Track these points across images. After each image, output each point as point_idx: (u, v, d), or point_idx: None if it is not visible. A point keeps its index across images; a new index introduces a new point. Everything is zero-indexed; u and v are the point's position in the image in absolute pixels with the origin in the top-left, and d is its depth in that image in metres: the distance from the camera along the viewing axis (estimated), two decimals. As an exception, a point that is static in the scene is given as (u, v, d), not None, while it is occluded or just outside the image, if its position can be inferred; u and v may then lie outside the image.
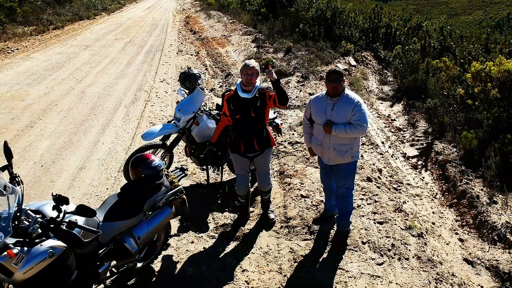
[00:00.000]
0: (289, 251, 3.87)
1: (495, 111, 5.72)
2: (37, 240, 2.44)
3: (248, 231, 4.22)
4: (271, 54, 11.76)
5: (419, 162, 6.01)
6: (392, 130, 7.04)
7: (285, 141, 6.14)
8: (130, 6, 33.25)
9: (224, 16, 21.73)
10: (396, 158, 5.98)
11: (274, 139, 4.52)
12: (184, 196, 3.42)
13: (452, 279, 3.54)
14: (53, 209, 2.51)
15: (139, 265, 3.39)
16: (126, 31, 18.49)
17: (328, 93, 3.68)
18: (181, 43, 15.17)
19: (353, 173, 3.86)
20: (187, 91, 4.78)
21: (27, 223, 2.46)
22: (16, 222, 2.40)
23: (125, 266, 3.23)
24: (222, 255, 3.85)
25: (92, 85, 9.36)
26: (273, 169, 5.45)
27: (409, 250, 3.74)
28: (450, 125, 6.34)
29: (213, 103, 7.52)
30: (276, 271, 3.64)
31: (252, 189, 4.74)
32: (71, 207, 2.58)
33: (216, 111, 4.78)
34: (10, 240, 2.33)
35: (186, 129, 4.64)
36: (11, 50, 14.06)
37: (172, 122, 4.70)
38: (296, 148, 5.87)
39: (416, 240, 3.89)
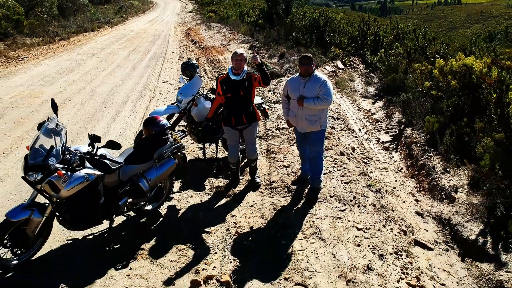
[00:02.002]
0: (270, 204, 4.78)
1: (454, 99, 6.67)
2: (77, 168, 3.37)
3: (238, 191, 5.13)
4: (266, 59, 12.76)
5: (391, 146, 6.93)
6: (370, 121, 7.99)
7: (273, 127, 7.08)
8: (132, 20, 34.45)
9: (223, 28, 22.89)
10: (370, 142, 6.92)
11: (261, 118, 5.46)
12: (184, 152, 4.35)
13: (400, 222, 4.44)
14: (88, 146, 3.45)
15: (149, 207, 4.31)
16: (130, 41, 19.58)
17: (301, 74, 4.64)
18: (182, 51, 16.22)
19: (322, 139, 4.80)
20: (187, 78, 5.76)
21: (69, 157, 3.39)
22: (62, 155, 3.34)
23: (138, 205, 4.14)
24: (215, 206, 4.77)
25: (101, 85, 10.35)
26: (261, 148, 6.39)
27: (367, 201, 4.65)
28: (419, 114, 7.28)
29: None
30: (259, 217, 4.55)
31: (242, 164, 5.64)
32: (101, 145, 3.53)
33: (211, 94, 5.75)
34: (59, 166, 3.26)
35: (187, 110, 5.60)
36: (22, 58, 15.06)
37: (175, 104, 5.66)
38: (282, 132, 6.81)
39: (374, 195, 4.81)
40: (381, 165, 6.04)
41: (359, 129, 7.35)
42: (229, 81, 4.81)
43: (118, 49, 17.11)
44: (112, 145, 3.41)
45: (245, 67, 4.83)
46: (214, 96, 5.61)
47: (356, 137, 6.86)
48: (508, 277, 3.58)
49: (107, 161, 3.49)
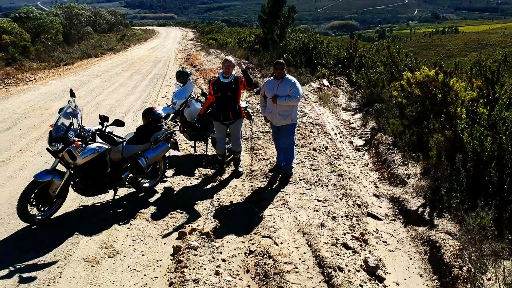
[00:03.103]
0: (249, 187, 5.72)
1: (417, 106, 7.67)
2: (89, 142, 4.33)
3: (223, 178, 6.07)
4: (258, 78, 13.88)
5: (363, 148, 7.89)
6: (347, 128, 8.99)
7: (258, 131, 8.07)
8: (134, 47, 35.96)
9: (221, 53, 24.22)
10: (343, 143, 7.91)
11: (246, 115, 6.46)
12: (176, 138, 5.32)
13: (356, 198, 5.36)
14: (98, 124, 4.42)
15: (146, 184, 5.24)
16: (132, 65, 20.85)
17: (275, 76, 5.67)
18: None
19: (293, 132, 5.78)
20: (181, 84, 6.79)
21: (83, 133, 4.36)
22: (78, 132, 4.31)
23: (137, 181, 5.08)
24: (203, 188, 5.70)
25: (105, 100, 11.42)
26: (246, 147, 7.36)
27: (329, 181, 5.59)
28: (389, 121, 8.27)
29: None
30: (239, 195, 5.48)
31: (227, 159, 6.59)
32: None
33: (202, 97, 6.76)
34: (76, 138, 4.23)
35: (180, 111, 6.60)
36: (30, 80, 16.20)
37: (170, 105, 6.66)
38: (265, 135, 7.79)
39: (336, 178, 5.75)
40: (350, 161, 7.00)
41: (335, 134, 8.34)
42: (219, 83, 5.84)
43: (120, 71, 18.31)
44: (118, 123, 4.40)
45: (233, 72, 5.87)
46: (204, 99, 6.62)
47: (330, 139, 7.84)
48: (435, 234, 4.47)
49: (113, 136, 4.46)
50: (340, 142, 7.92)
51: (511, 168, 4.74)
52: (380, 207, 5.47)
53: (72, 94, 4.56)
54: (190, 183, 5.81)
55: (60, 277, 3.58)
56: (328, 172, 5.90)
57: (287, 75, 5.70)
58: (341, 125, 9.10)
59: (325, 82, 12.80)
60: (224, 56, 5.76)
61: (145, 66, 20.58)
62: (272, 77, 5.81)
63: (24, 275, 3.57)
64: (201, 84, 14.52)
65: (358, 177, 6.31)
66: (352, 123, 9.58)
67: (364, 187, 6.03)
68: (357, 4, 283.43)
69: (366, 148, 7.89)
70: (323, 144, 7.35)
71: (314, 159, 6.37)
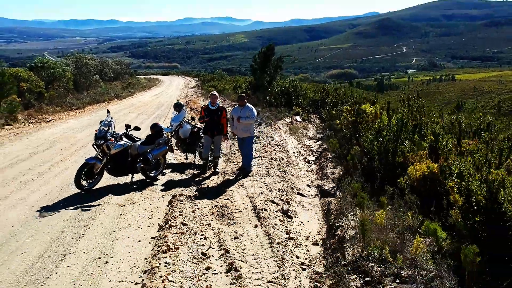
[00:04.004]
0: (222, 179, 8.54)
1: (351, 129, 10.60)
2: (118, 140, 7.25)
3: (205, 176, 8.91)
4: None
5: (313, 162, 10.74)
6: (305, 150, 11.88)
7: (236, 149, 10.97)
8: (139, 94, 39.40)
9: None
10: (298, 158, 10.77)
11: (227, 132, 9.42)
12: (171, 144, 8.26)
13: (292, 185, 8.17)
14: (124, 130, 7.38)
15: (151, 174, 8.10)
16: (138, 108, 24.10)
17: (239, 104, 8.66)
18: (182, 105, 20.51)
19: (251, 142, 8.72)
20: (177, 112, 9.79)
21: (115, 135, 7.29)
22: (112, 134, 7.26)
23: (146, 170, 7.95)
24: (190, 179, 8.54)
25: (118, 131, 14.40)
26: (224, 158, 10.23)
27: (275, 174, 8.42)
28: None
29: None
30: (215, 182, 8.31)
31: (209, 164, 9.44)
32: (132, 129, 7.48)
33: (191, 121, 9.74)
34: (111, 138, 7.17)
35: (176, 130, 9.54)
36: (49, 120, 19.24)
37: (169, 127, 9.62)
38: (238, 151, 10.66)
39: (280, 173, 8.59)
40: (298, 167, 9.85)
41: (293, 152, 11.25)
42: (208, 109, 8.83)
43: (128, 112, 21.49)
44: (136, 128, 7.33)
45: (218, 102, 8.86)
46: (193, 123, 9.58)
47: (288, 154, 10.74)
48: (331, 199, 7.25)
49: (133, 137, 7.39)
50: (295, 157, 10.80)
51: (386, 159, 7.56)
52: (309, 191, 8.27)
53: (108, 111, 7.52)
54: (182, 176, 8.68)
55: (101, 212, 6.38)
56: (276, 170, 8.76)
57: (247, 104, 8.71)
58: (301, 148, 12.01)
59: (298, 118, 15.83)
60: (212, 92, 8.70)
61: (149, 108, 23.81)
62: (237, 105, 8.81)
63: (83, 210, 6.37)
64: (197, 121, 17.59)
65: (299, 175, 9.15)
66: (312, 147, 12.49)
67: (302, 181, 8.86)
68: (356, 53, 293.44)
69: (315, 162, 10.74)
70: (280, 157, 10.24)
71: (269, 164, 9.25)
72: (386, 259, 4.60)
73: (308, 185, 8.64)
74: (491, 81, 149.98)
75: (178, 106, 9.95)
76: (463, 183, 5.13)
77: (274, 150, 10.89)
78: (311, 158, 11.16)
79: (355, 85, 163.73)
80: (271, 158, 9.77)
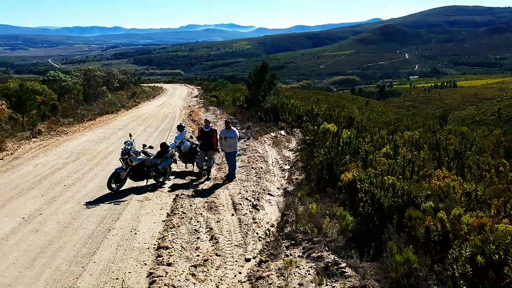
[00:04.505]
0: (212, 184, 11.56)
1: (311, 146, 13.57)
2: (138, 156, 10.30)
3: (200, 181, 11.92)
4: (238, 130, 19.92)
5: (287, 170, 13.71)
6: (283, 160, 14.86)
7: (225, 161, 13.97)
8: (144, 104, 42.22)
9: (218, 110, 30.64)
10: (275, 167, 13.76)
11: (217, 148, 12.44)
12: (175, 157, 11.32)
13: (264, 187, 11.16)
14: (142, 147, 10.44)
15: (161, 179, 11.14)
16: (145, 120, 27.14)
17: (226, 127, 11.73)
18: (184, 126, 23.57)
19: (235, 156, 11.80)
20: (179, 132, 12.84)
21: (135, 152, 10.33)
22: (133, 151, 10.31)
23: (160, 179, 10.98)
24: (189, 183, 11.56)
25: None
26: (216, 167, 13.24)
27: (252, 179, 11.42)
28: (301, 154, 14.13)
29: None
30: (207, 185, 11.33)
31: (204, 172, 12.45)
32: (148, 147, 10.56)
33: (191, 139, 12.80)
34: (132, 154, 10.21)
35: (178, 146, 12.57)
36: (67, 132, 22.25)
37: (173, 143, 12.65)
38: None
39: (257, 178, 11.58)
40: (273, 174, 12.83)
41: (272, 162, 14.24)
42: (203, 131, 11.90)
43: (136, 125, 24.53)
44: (150, 147, 10.38)
45: (211, 125, 11.90)
46: (191, 140, 12.62)
47: (267, 164, 13.73)
48: (289, 198, 10.22)
49: (149, 153, 10.43)
50: (273, 166, 13.79)
51: (330, 167, 10.51)
52: (277, 192, 11.25)
53: (130, 135, 10.56)
54: (183, 181, 11.69)
55: (126, 207, 9.39)
56: (254, 176, 11.76)
57: (231, 127, 11.74)
58: (280, 159, 15.00)
59: (282, 132, 18.81)
60: (205, 118, 11.64)
61: (155, 121, 26.85)
62: (224, 128, 11.86)
63: (115, 204, 9.39)
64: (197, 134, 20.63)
65: (273, 181, 12.14)
66: (290, 158, 15.46)
67: (274, 185, 11.84)
68: (358, 60, 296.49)
69: (288, 170, 13.71)
70: (260, 166, 13.23)
71: (249, 172, 12.25)
72: (307, 232, 7.57)
73: (278, 188, 11.61)
74: (492, 87, 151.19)
75: (180, 128, 13.04)
76: (365, 185, 8.12)
77: (256, 160, 13.88)
78: (286, 167, 14.13)
79: (357, 92, 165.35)
80: (252, 167, 12.77)
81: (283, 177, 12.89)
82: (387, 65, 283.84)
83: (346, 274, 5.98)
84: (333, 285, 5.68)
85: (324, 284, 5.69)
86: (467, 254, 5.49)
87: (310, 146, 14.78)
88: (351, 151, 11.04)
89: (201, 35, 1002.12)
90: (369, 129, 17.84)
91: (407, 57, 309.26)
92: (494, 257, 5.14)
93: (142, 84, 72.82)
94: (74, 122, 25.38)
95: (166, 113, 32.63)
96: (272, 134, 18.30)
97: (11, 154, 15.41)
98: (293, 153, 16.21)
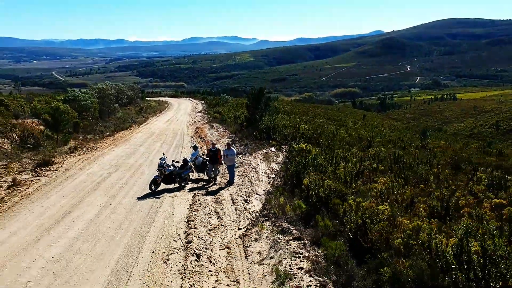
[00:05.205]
0: (218, 186, 16.86)
1: (290, 157, 18.83)
2: (168, 167, 15.65)
3: (210, 185, 17.23)
4: (238, 146, 25.19)
5: (272, 178, 18.97)
6: (270, 170, 20.11)
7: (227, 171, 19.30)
8: (153, 119, 45.47)
9: (221, 127, 35.94)
10: (263, 175, 19.03)
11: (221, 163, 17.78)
12: (192, 168, 16.69)
13: (253, 189, 16.44)
14: (171, 161, 15.81)
15: (183, 184, 16.49)
16: (158, 137, 32.34)
17: (227, 147, 17.11)
18: (193, 143, 28.85)
19: (233, 168, 17.20)
20: (194, 150, 18.20)
21: (167, 165, 15.67)
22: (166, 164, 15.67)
23: (182, 183, 16.32)
24: (202, 187, 16.87)
25: (153, 159, 22.68)
26: (220, 176, 18.55)
27: (246, 183, 16.71)
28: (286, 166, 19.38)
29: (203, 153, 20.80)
30: (215, 188, 16.64)
31: (212, 178, 17.73)
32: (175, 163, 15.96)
33: (202, 155, 18.17)
34: (165, 166, 15.57)
35: (194, 161, 17.89)
36: (95, 148, 27.33)
37: (191, 158, 17.99)
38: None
39: (249, 183, 16.87)
40: (261, 181, 18.09)
41: (261, 172, 19.50)
42: (211, 150, 17.29)
43: (153, 142, 29.74)
44: (177, 161, 15.71)
45: (216, 146, 17.27)
46: (203, 156, 17.97)
47: (257, 173, 18.98)
48: (269, 196, 15.50)
49: (176, 165, 15.77)
50: (262, 175, 19.04)
51: (298, 175, 15.70)
52: (262, 193, 16.47)
53: (163, 154, 15.86)
54: (198, 185, 17.01)
55: (163, 200, 14.67)
56: (247, 183, 17.04)
57: (231, 147, 17.09)
58: (268, 170, 20.24)
59: (273, 149, 24.05)
60: (212, 142, 16.86)
61: (167, 138, 32.01)
62: (226, 147, 17.22)
63: (156, 198, 14.68)
64: (204, 148, 25.91)
65: (261, 185, 17.39)
66: (276, 169, 20.69)
67: (261, 188, 17.08)
68: (360, 72, 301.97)
69: (273, 178, 18.93)
70: (252, 175, 18.47)
71: (244, 179, 17.53)
72: (276, 213, 12.80)
73: (263, 190, 16.83)
74: (491, 100, 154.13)
75: (195, 147, 18.43)
76: (313, 186, 13.40)
77: (250, 171, 19.12)
78: (272, 176, 19.34)
79: (358, 104, 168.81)
80: (246, 176, 18.04)
81: (269, 183, 18.11)
82: (389, 77, 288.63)
83: (293, 232, 11.23)
84: (284, 236, 10.93)
85: (279, 235, 10.95)
86: (353, 219, 10.73)
87: (289, 160, 20.00)
88: (314, 164, 16.30)
89: (204, 47, 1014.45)
90: (341, 146, 23.14)
91: (408, 69, 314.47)
92: (365, 220, 10.41)
93: (148, 98, 76.22)
94: (98, 139, 29.91)
95: (175, 129, 37.43)
96: (264, 150, 23.59)
97: (61, 166, 20.53)
98: (278, 165, 21.44)
